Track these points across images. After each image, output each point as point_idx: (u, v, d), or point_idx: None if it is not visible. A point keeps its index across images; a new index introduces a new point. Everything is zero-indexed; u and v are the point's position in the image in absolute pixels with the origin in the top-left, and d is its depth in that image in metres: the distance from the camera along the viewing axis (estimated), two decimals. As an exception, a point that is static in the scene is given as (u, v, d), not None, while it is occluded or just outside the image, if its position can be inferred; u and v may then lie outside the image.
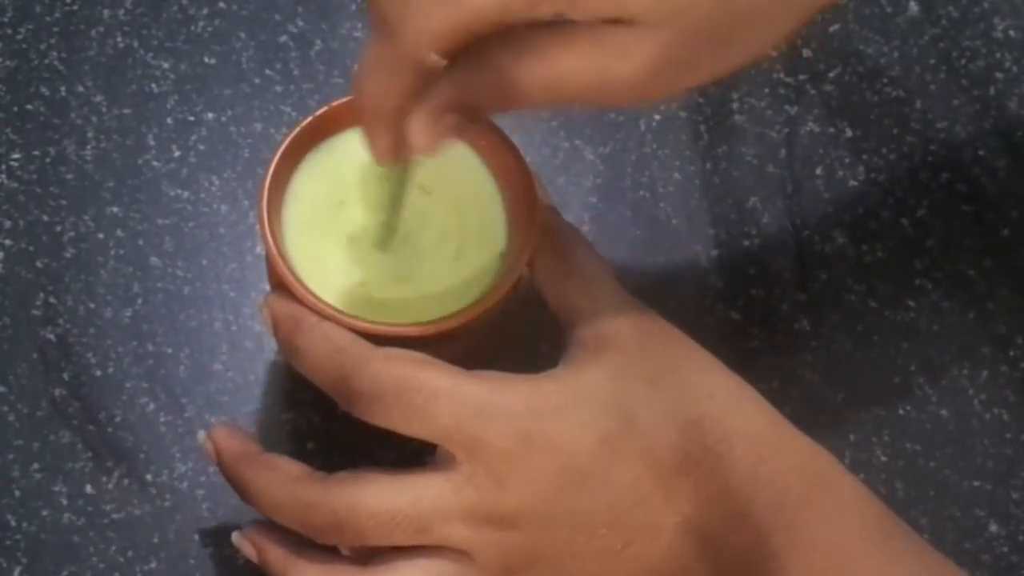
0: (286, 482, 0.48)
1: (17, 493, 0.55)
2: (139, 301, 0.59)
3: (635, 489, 0.46)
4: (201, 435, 0.51)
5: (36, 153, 0.62)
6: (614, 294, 0.49)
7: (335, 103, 0.52)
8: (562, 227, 0.52)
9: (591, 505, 0.46)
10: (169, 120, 0.63)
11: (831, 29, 0.67)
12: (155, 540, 0.55)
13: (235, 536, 0.50)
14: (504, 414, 0.46)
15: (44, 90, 0.63)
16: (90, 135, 0.62)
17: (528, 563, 0.47)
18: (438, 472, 0.46)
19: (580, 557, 0.47)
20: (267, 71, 0.64)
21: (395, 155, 0.46)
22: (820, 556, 0.45)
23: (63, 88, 0.63)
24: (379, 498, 0.46)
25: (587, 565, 0.47)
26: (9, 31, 0.64)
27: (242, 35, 0.65)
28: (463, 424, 0.46)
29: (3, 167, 0.61)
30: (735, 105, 0.65)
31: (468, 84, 0.44)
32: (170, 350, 0.58)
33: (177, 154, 0.62)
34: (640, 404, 0.46)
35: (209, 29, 0.65)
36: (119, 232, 0.60)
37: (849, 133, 0.65)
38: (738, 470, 0.46)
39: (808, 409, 0.58)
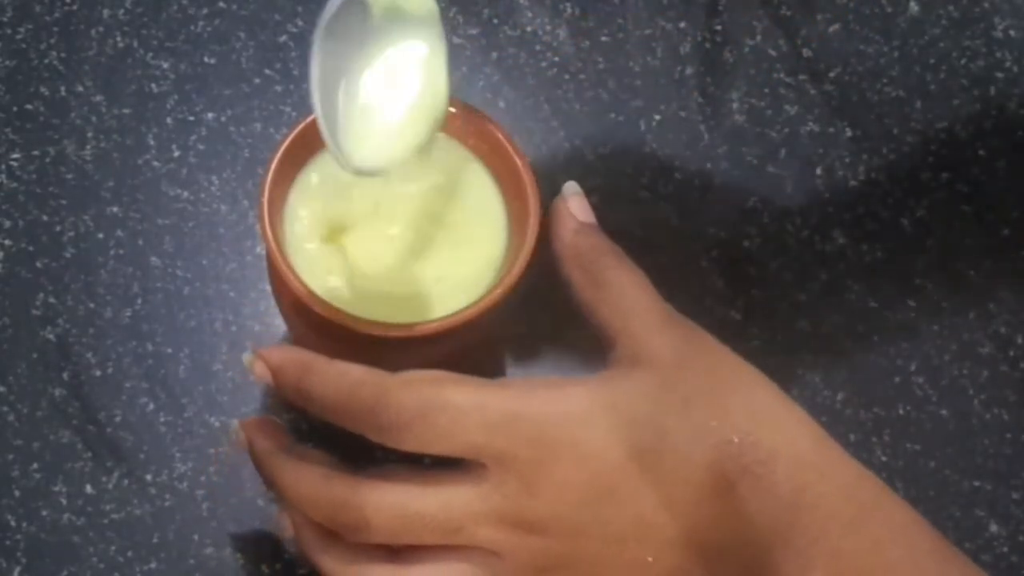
0: (315, 478, 0.47)
1: (17, 493, 0.55)
2: (139, 301, 0.59)
3: (667, 507, 0.45)
4: (234, 424, 0.50)
5: (36, 153, 0.62)
6: (651, 314, 0.48)
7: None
8: (597, 247, 0.51)
9: (620, 518, 0.46)
10: (169, 120, 0.63)
11: (831, 29, 0.67)
12: (155, 540, 0.55)
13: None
14: (530, 422, 0.45)
15: (44, 90, 0.63)
16: (90, 135, 0.62)
17: (558, 566, 0.46)
18: (467, 477, 0.46)
19: (610, 567, 0.46)
20: (267, 71, 0.64)
21: None
22: None
23: (63, 88, 0.63)
24: (408, 501, 0.46)
25: (617, 575, 0.46)
26: (9, 31, 0.64)
27: (242, 35, 0.65)
28: (492, 437, 0.45)
29: (3, 167, 0.61)
30: (735, 105, 0.65)
31: None
32: (170, 350, 0.58)
33: (177, 154, 0.62)
34: (674, 422, 0.46)
35: (209, 29, 0.65)
36: (119, 232, 0.60)
37: (849, 133, 0.65)
38: (778, 493, 0.45)
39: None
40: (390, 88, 0.48)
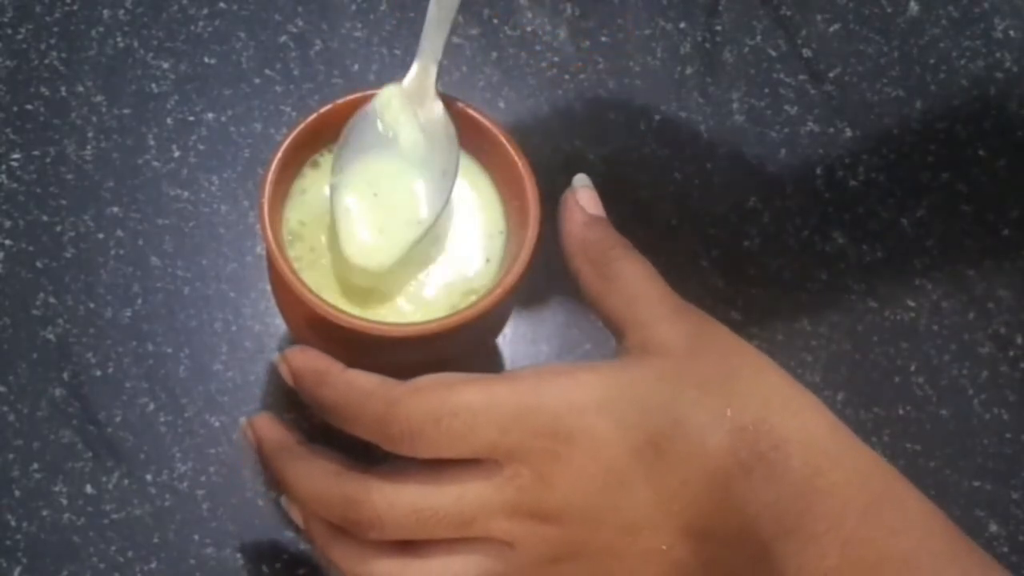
0: (326, 476, 0.47)
1: (17, 493, 0.55)
2: (139, 301, 0.59)
3: (681, 494, 0.45)
4: (242, 422, 0.50)
5: (36, 153, 0.62)
6: (660, 303, 0.48)
7: (336, 102, 0.52)
8: (605, 240, 0.50)
9: (635, 506, 0.45)
10: (169, 120, 0.63)
11: (831, 29, 0.67)
12: (155, 540, 0.55)
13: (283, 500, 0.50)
14: (543, 414, 0.45)
15: (44, 90, 0.63)
16: (90, 135, 0.62)
17: (571, 555, 0.46)
18: (480, 470, 0.46)
19: (624, 555, 0.46)
20: (267, 71, 0.64)
21: None
22: (884, 574, 0.44)
23: (63, 88, 0.63)
24: (421, 497, 0.46)
25: (631, 564, 0.46)
26: (9, 31, 0.64)
27: (242, 35, 0.65)
28: (506, 434, 0.45)
29: (3, 167, 0.61)
30: (735, 105, 0.65)
31: None
32: (170, 350, 0.58)
33: (177, 154, 0.62)
34: (689, 408, 0.45)
35: (209, 29, 0.65)
36: (119, 232, 0.60)
37: (849, 133, 0.65)
38: (793, 480, 0.44)
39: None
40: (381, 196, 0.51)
